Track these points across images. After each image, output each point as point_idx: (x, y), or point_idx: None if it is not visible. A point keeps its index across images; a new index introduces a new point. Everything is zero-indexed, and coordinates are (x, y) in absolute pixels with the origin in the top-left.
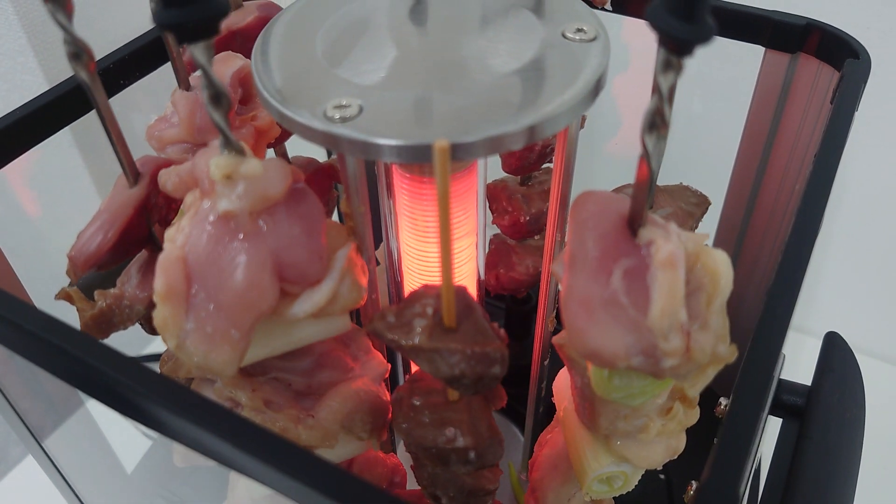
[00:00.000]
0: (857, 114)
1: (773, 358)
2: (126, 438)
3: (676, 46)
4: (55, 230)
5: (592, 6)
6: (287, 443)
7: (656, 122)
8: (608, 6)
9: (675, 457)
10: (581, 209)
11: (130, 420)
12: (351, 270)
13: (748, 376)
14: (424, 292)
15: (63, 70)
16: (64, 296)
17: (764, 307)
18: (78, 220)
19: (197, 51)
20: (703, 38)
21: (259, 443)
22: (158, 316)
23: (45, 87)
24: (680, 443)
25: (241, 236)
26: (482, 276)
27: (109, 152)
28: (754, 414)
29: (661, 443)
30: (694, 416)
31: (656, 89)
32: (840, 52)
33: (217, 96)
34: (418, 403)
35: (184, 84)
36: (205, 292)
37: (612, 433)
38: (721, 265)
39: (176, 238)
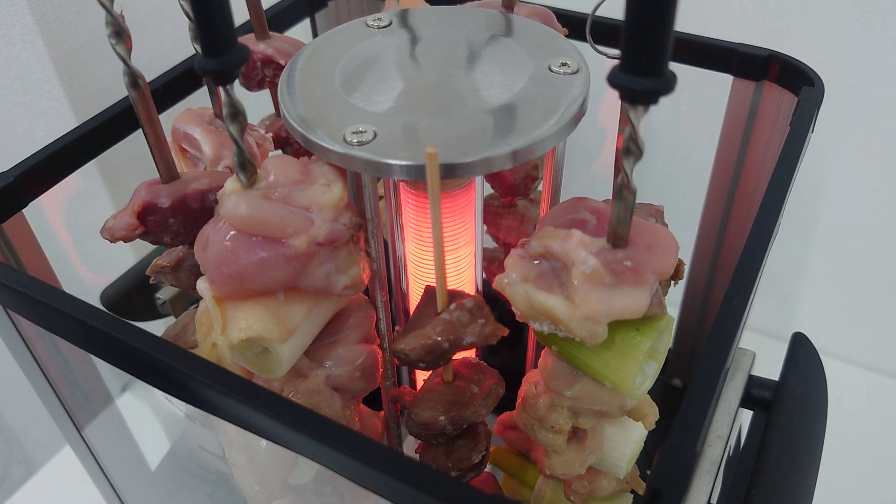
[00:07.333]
0: (834, 132)
1: (730, 338)
2: (150, 435)
3: (636, 97)
4: (79, 248)
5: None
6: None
7: (623, 192)
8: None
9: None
10: None
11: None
12: (211, 309)
13: (709, 348)
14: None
15: (86, 97)
16: None
17: (724, 297)
18: (96, 236)
19: (232, 126)
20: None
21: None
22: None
23: (69, 114)
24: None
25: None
26: (480, 286)
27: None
28: (713, 378)
29: (544, 431)
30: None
31: (621, 170)
32: (798, 80)
33: (242, 163)
34: (465, 396)
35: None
36: None
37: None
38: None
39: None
